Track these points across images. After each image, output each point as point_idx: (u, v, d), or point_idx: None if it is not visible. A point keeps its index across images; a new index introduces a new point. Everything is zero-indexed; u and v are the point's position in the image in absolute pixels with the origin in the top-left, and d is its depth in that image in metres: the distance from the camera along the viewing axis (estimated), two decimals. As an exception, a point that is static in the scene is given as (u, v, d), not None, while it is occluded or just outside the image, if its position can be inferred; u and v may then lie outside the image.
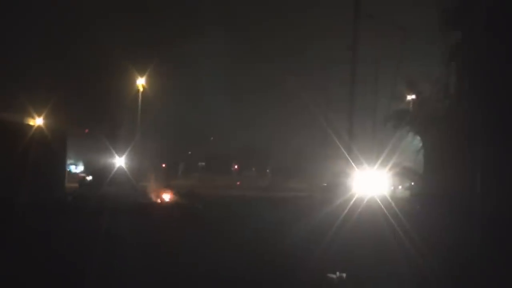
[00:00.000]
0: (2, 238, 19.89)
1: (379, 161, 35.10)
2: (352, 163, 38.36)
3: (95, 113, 63.56)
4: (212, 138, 77.77)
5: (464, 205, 20.37)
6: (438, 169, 23.95)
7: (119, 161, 59.26)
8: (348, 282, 13.52)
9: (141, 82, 62.19)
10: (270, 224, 26.74)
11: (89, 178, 57.57)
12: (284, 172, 75.67)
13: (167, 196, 43.25)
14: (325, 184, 48.54)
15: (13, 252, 17.69)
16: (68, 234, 21.86)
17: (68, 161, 63.70)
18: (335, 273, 13.76)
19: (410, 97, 29.41)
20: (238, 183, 74.74)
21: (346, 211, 29.14)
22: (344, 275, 13.66)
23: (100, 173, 55.87)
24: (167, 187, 46.95)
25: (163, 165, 74.30)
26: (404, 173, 35.28)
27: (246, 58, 69.10)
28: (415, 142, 29.25)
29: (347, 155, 38.63)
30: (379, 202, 31.61)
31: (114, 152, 58.97)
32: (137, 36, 67.70)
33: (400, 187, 44.38)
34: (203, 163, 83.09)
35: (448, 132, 23.99)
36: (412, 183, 34.92)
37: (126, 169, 57.30)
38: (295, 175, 72.02)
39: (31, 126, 44.02)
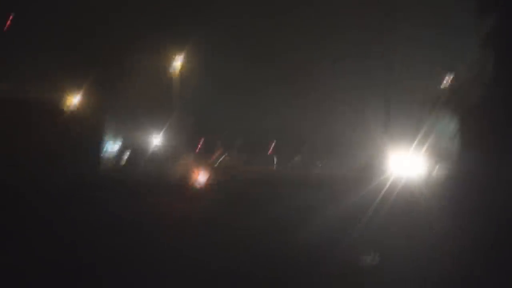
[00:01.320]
0: (38, 217, 20.16)
1: (415, 143, 34.91)
2: (389, 144, 38.16)
3: (134, 90, 63.74)
4: (250, 116, 77.61)
5: (498, 192, 20.23)
6: (473, 154, 23.78)
7: (157, 139, 59.44)
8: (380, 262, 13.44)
9: (180, 58, 62.21)
10: (304, 206, 26.81)
11: (126, 155, 57.83)
12: (320, 153, 75.43)
13: (202, 175, 43.36)
14: (359, 165, 48.24)
15: (47, 232, 17.93)
16: (101, 214, 22.05)
17: (106, 138, 64.08)
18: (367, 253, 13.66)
19: (447, 81, 29.15)
20: (274, 161, 74.69)
21: (382, 193, 29.04)
22: (376, 255, 13.55)
23: (138, 151, 56.12)
24: (204, 165, 47.07)
25: (200, 144, 74.40)
26: (440, 155, 35.07)
27: (284, 38, 68.68)
28: (452, 125, 29.03)
29: (383, 135, 38.46)
30: (416, 183, 31.54)
31: (152, 130, 59.14)
32: (179, 12, 67.76)
33: (436, 169, 44.02)
34: (240, 143, 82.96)
35: (484, 118, 23.78)
36: (448, 166, 34.66)
37: (163, 147, 57.48)
38: (330, 156, 71.79)
39: (69, 105, 44.37)
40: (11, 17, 63.07)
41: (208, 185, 39.76)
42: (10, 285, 12.23)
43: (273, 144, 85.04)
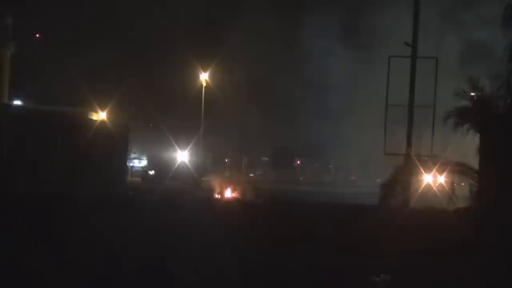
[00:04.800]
0: (65, 234, 20.15)
1: (440, 159, 34.49)
2: (413, 158, 37.79)
3: (160, 108, 64.10)
4: (276, 133, 77.67)
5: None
6: (496, 171, 23.28)
7: (182, 156, 59.68)
8: (392, 285, 13.28)
9: (204, 77, 62.26)
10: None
11: (152, 172, 58.32)
12: (347, 168, 75.32)
13: (228, 192, 43.30)
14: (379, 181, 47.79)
15: (72, 248, 17.90)
16: (127, 231, 21.93)
17: (132, 155, 64.58)
18: (379, 276, 13.53)
19: (471, 94, 28.73)
20: (300, 178, 75.01)
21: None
22: (388, 277, 13.39)
23: (163, 168, 56.47)
24: (229, 182, 47.02)
25: (226, 160, 74.63)
26: (464, 171, 34.64)
27: (310, 52, 68.69)
28: (475, 140, 28.57)
29: (408, 150, 38.09)
30: (440, 197, 31.24)
31: (177, 147, 59.41)
32: (202, 32, 68.17)
33: (462, 184, 43.62)
34: (266, 158, 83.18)
35: (508, 131, 23.34)
36: (472, 181, 34.30)
37: (188, 164, 57.69)
38: (358, 170, 71.67)
39: (94, 121, 44.64)
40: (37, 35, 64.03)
41: (233, 200, 39.66)
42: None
43: (298, 161, 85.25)
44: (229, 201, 39.75)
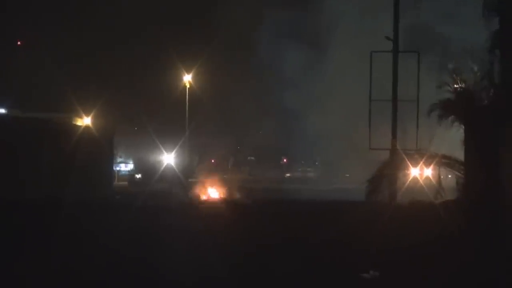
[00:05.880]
0: (53, 237, 20.16)
1: (426, 152, 34.47)
2: (400, 152, 37.74)
3: (144, 111, 63.96)
4: (261, 132, 77.57)
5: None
6: (481, 162, 23.40)
7: (168, 158, 59.56)
8: (381, 281, 13.34)
9: (187, 78, 62.03)
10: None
11: (138, 176, 58.26)
12: (333, 164, 75.14)
13: (215, 193, 43.18)
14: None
15: (60, 252, 17.91)
16: (114, 234, 21.95)
17: (119, 160, 64.53)
18: (368, 272, 13.59)
19: (454, 86, 28.81)
20: (287, 175, 75.20)
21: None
22: (377, 273, 13.45)
23: (149, 171, 56.45)
24: (216, 182, 46.91)
25: (212, 161, 74.44)
26: (451, 164, 34.70)
27: (291, 50, 68.63)
28: (460, 132, 28.61)
29: (393, 144, 38.06)
30: (427, 190, 31.23)
31: (163, 149, 59.28)
32: (184, 33, 68.11)
33: (449, 176, 43.64)
34: (252, 157, 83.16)
35: (492, 122, 23.44)
36: (458, 173, 34.36)
37: (174, 166, 57.59)
38: (344, 166, 71.52)
39: (79, 127, 44.55)
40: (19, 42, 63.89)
41: (221, 201, 39.52)
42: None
43: (285, 160, 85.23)
44: (216, 202, 39.60)
